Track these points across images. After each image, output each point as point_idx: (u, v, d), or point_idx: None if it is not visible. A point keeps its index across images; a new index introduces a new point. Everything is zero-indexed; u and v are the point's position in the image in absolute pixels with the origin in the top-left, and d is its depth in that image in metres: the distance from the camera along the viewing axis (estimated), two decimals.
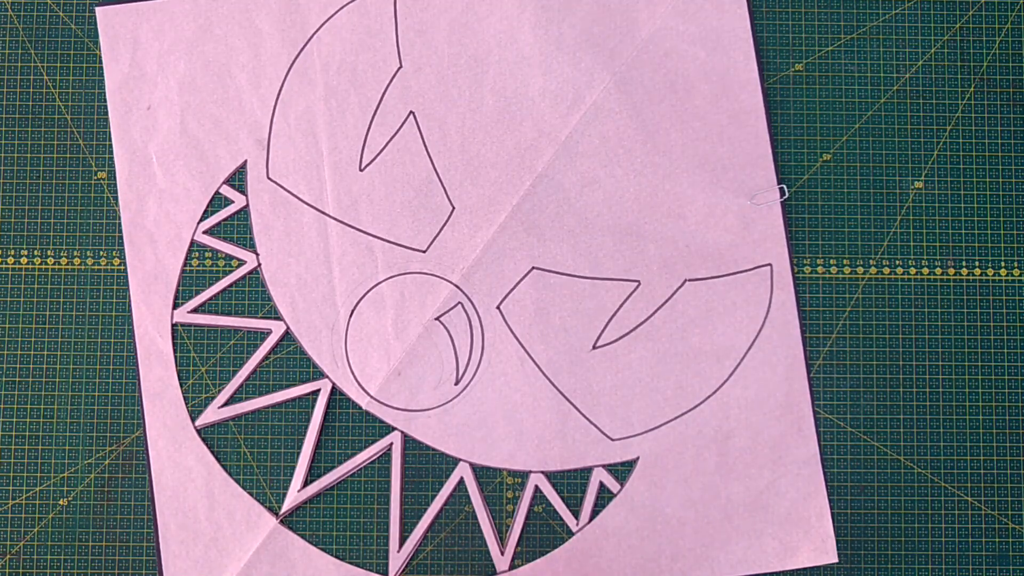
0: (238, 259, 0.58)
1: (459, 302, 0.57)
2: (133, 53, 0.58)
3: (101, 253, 0.58)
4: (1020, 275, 0.58)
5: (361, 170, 0.58)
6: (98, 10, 0.59)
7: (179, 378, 0.57)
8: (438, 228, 0.58)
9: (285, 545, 0.56)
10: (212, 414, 0.57)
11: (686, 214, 0.58)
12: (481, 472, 0.57)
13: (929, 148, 0.59)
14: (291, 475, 0.56)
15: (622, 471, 0.56)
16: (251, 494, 0.56)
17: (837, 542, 0.56)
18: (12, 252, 0.58)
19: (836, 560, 0.56)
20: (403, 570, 0.56)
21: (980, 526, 0.56)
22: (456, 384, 0.57)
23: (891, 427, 0.57)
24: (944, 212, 0.58)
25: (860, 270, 0.58)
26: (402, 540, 0.56)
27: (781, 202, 0.58)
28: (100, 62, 0.59)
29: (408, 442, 0.57)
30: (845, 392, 0.57)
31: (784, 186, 0.58)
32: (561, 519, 0.56)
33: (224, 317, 0.57)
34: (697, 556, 0.56)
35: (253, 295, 0.58)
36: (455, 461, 0.57)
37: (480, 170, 0.58)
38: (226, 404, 0.57)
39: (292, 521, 0.56)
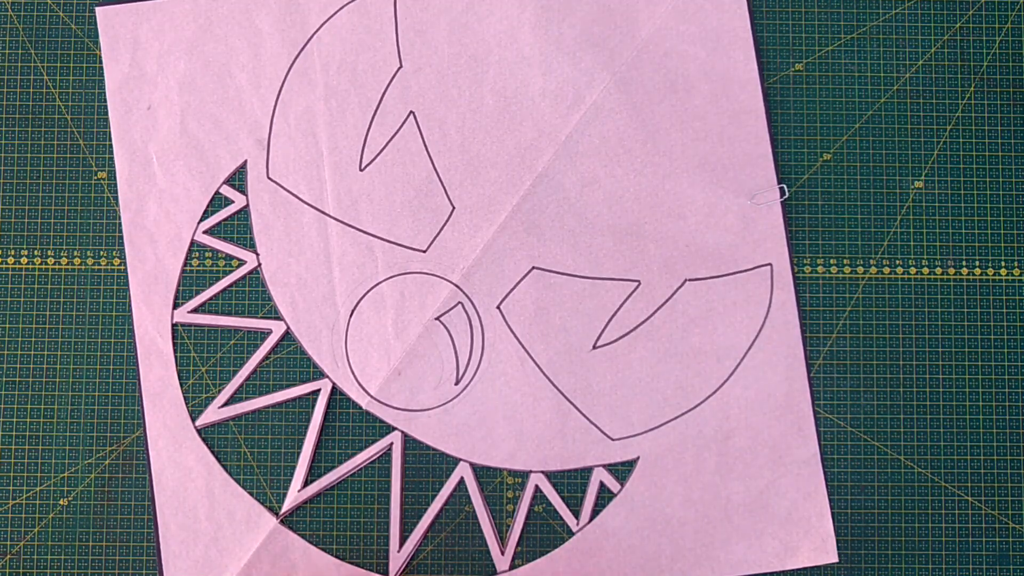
0: (238, 259, 0.58)
1: (459, 302, 0.57)
2: (133, 53, 0.58)
3: (101, 253, 0.58)
4: (1020, 275, 0.58)
5: (361, 170, 0.58)
6: (98, 10, 0.59)
7: (179, 378, 0.57)
8: (438, 228, 0.58)
9: (285, 545, 0.56)
10: (212, 414, 0.57)
11: (686, 214, 0.58)
12: (481, 472, 0.57)
13: (929, 148, 0.59)
14: (291, 475, 0.56)
15: (622, 471, 0.56)
16: (251, 494, 0.56)
17: (837, 542, 0.56)
18: (12, 252, 0.58)
19: (836, 560, 0.56)
20: (403, 570, 0.56)
21: (980, 526, 0.56)
22: (456, 384, 0.57)
23: (891, 427, 0.57)
24: (944, 212, 0.58)
25: (860, 270, 0.58)
26: (402, 540, 0.56)
27: (781, 202, 0.58)
28: (100, 62, 0.59)
29: (408, 442, 0.57)
30: (845, 392, 0.57)
31: (784, 186, 0.58)
32: (561, 519, 0.56)
33: (224, 317, 0.57)
34: (697, 556, 0.56)
35: (253, 295, 0.58)
36: (455, 461, 0.57)
37: (480, 170, 0.58)
38: (226, 404, 0.57)
39: (292, 521, 0.56)
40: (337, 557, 0.56)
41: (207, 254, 0.58)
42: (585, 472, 0.56)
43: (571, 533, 0.56)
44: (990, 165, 0.59)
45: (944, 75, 0.59)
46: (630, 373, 0.57)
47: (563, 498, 0.56)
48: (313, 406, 0.57)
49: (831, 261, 0.58)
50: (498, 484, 0.57)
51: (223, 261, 0.58)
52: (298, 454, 0.56)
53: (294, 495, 0.56)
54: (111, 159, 0.58)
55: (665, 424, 0.56)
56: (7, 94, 0.59)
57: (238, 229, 0.58)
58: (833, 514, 0.56)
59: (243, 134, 0.58)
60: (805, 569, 0.56)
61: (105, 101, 0.58)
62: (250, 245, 0.58)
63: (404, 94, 0.58)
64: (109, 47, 0.59)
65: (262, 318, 0.57)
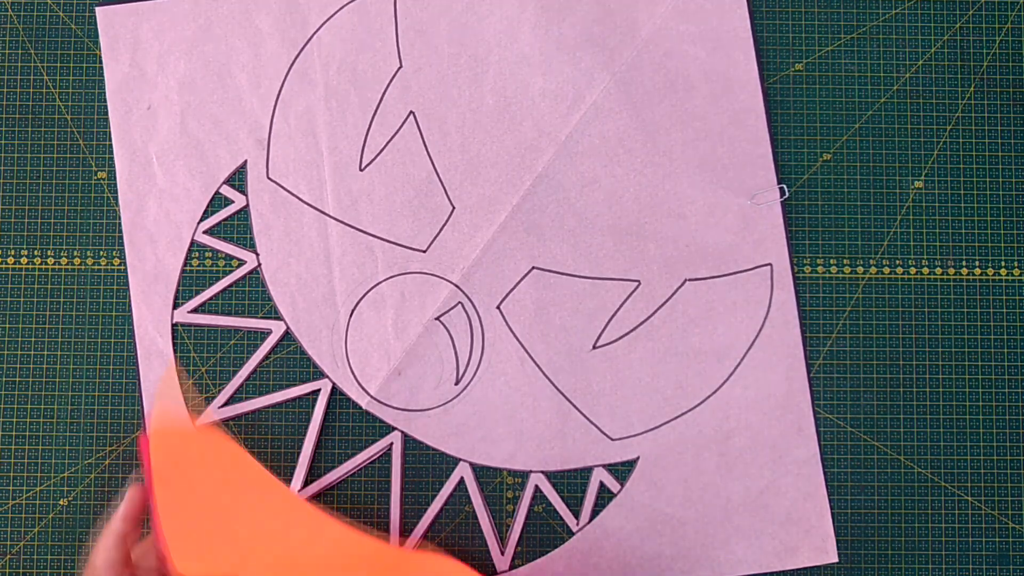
0: (238, 259, 0.58)
1: (459, 302, 0.57)
2: (133, 53, 0.58)
3: (101, 253, 0.58)
4: (1020, 275, 0.58)
5: (361, 170, 0.58)
6: (98, 10, 0.59)
7: (179, 378, 0.57)
8: (438, 228, 0.58)
9: None
10: (212, 414, 0.57)
11: (686, 214, 0.58)
12: (481, 472, 0.57)
13: (929, 148, 0.59)
14: (291, 475, 0.56)
15: (622, 471, 0.56)
16: None
17: (837, 542, 0.56)
18: (12, 252, 0.58)
19: (836, 560, 0.56)
20: None
21: (980, 526, 0.56)
22: (456, 384, 0.57)
23: (891, 427, 0.57)
24: (944, 212, 0.58)
25: (860, 270, 0.58)
26: (402, 540, 0.56)
27: (781, 202, 0.58)
28: (100, 62, 0.59)
29: (408, 442, 0.57)
30: (845, 392, 0.57)
31: (784, 186, 0.58)
32: (561, 519, 0.56)
33: (224, 317, 0.57)
34: (697, 556, 0.56)
35: (253, 295, 0.58)
36: (455, 461, 0.57)
37: (480, 170, 0.58)
38: (226, 404, 0.57)
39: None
40: None
41: (207, 254, 0.58)
42: (585, 472, 0.56)
43: (571, 533, 0.56)
44: (990, 165, 0.59)
45: (944, 75, 0.59)
46: (630, 373, 0.57)
47: (563, 498, 0.56)
48: (313, 406, 0.57)
49: (831, 261, 0.58)
50: (498, 484, 0.57)
51: (223, 261, 0.58)
52: (298, 454, 0.56)
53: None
54: (111, 159, 0.58)
55: (665, 424, 0.56)
56: (7, 94, 0.59)
57: (238, 229, 0.58)
58: (833, 514, 0.56)
59: (243, 134, 0.58)
60: (805, 569, 0.56)
61: (105, 101, 0.58)
62: (250, 245, 0.58)
63: (404, 94, 0.58)
64: (109, 47, 0.59)
65: (262, 318, 0.57)
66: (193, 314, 0.57)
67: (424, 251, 0.57)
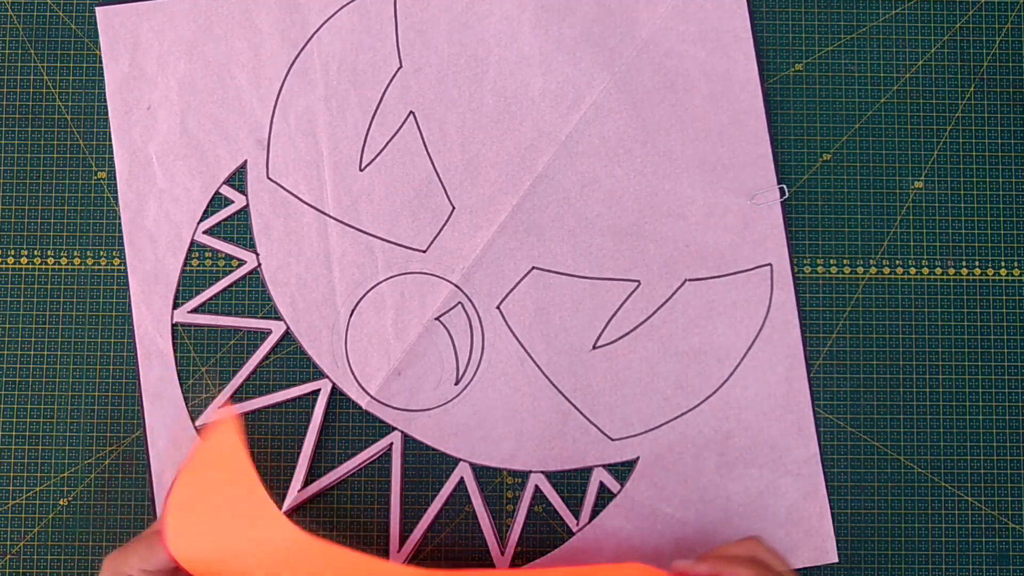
0: (238, 259, 0.58)
1: (459, 302, 0.57)
2: (133, 53, 0.58)
3: (101, 253, 0.58)
4: (1020, 275, 0.58)
5: (361, 170, 0.58)
6: (98, 10, 0.59)
7: (179, 378, 0.57)
8: (438, 228, 0.58)
9: None
10: (212, 414, 0.57)
11: (686, 214, 0.58)
12: (481, 472, 0.57)
13: (929, 148, 0.59)
14: (291, 475, 0.56)
15: (622, 471, 0.56)
16: None
17: (837, 542, 0.56)
18: (12, 252, 0.58)
19: (836, 560, 0.56)
20: None
21: (980, 526, 0.56)
22: (456, 384, 0.57)
23: (891, 427, 0.57)
24: (944, 212, 0.58)
25: (860, 270, 0.58)
26: (402, 540, 0.56)
27: (781, 202, 0.58)
28: (100, 62, 0.59)
29: (408, 442, 0.57)
30: (845, 392, 0.57)
31: (784, 186, 0.58)
32: (561, 519, 0.56)
33: (224, 317, 0.57)
34: (697, 556, 0.56)
35: (253, 295, 0.58)
36: (455, 461, 0.56)
37: (480, 170, 0.58)
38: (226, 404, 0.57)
39: (292, 520, 0.56)
40: None
41: (207, 254, 0.58)
42: (585, 472, 0.56)
43: (571, 533, 0.56)
44: (990, 165, 0.59)
45: (944, 75, 0.59)
46: (630, 373, 0.57)
47: (563, 498, 0.56)
48: (313, 406, 0.57)
49: (831, 261, 0.58)
50: (498, 484, 0.57)
51: (223, 261, 0.58)
52: (298, 454, 0.56)
53: (294, 495, 0.56)
54: (111, 159, 0.58)
55: (665, 424, 0.56)
56: (7, 94, 0.59)
57: (238, 229, 0.58)
58: (833, 514, 0.56)
59: (243, 134, 0.58)
60: (805, 569, 0.56)
61: (105, 101, 0.58)
62: (250, 245, 0.58)
63: (404, 94, 0.58)
64: (109, 47, 0.59)
65: (262, 318, 0.57)
66: (193, 314, 0.57)
67: (424, 251, 0.57)
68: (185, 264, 0.58)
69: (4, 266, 0.58)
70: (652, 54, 0.58)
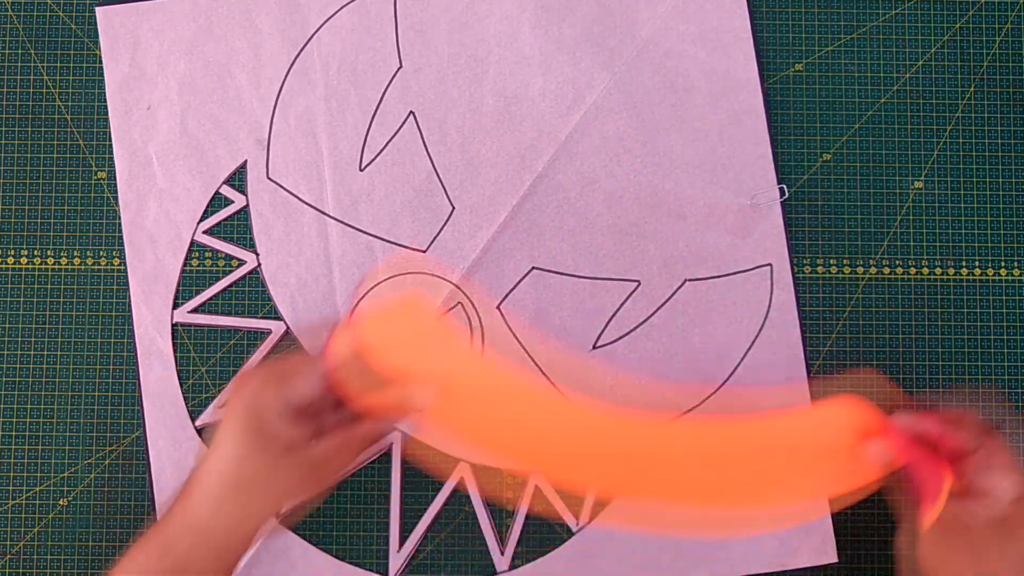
0: (238, 259, 0.58)
1: (459, 302, 0.57)
2: (133, 53, 0.58)
3: (101, 253, 0.58)
4: (1020, 275, 0.58)
5: (361, 170, 0.58)
6: (98, 10, 0.59)
7: (179, 378, 0.57)
8: (438, 228, 0.58)
9: (285, 545, 0.56)
10: (212, 414, 0.57)
11: (686, 214, 0.58)
12: (481, 472, 0.57)
13: (929, 148, 0.59)
14: None
15: None
16: None
17: (837, 542, 0.56)
18: (12, 252, 0.58)
19: (836, 560, 0.56)
20: (403, 570, 0.56)
21: None
22: None
23: None
24: (944, 212, 0.58)
25: (860, 270, 0.58)
26: (402, 540, 0.56)
27: (781, 202, 0.58)
28: (100, 62, 0.59)
29: (408, 442, 0.57)
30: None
31: (784, 186, 0.58)
32: (561, 519, 0.56)
33: (224, 317, 0.57)
34: (697, 556, 0.56)
35: (253, 295, 0.58)
36: (455, 461, 0.56)
37: (480, 170, 0.58)
38: (226, 404, 0.57)
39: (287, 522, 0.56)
40: (337, 557, 0.56)
41: (207, 254, 0.58)
42: None
43: (571, 533, 0.56)
44: (990, 165, 0.59)
45: (944, 75, 0.59)
46: (630, 373, 0.57)
47: (563, 498, 0.56)
48: None
49: (831, 261, 0.58)
50: (498, 484, 0.57)
51: (223, 261, 0.58)
52: None
53: None
54: (111, 159, 0.58)
55: None
56: (7, 94, 0.59)
57: (238, 229, 0.58)
58: (833, 514, 0.56)
59: (243, 134, 0.58)
60: (805, 569, 0.56)
61: (105, 101, 0.58)
62: (250, 245, 0.58)
63: (404, 94, 0.58)
64: (109, 47, 0.59)
65: (262, 318, 0.57)
66: (193, 314, 0.57)
67: (424, 251, 0.57)
68: (185, 264, 0.58)
69: (4, 266, 0.58)
70: (652, 54, 0.58)
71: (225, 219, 0.58)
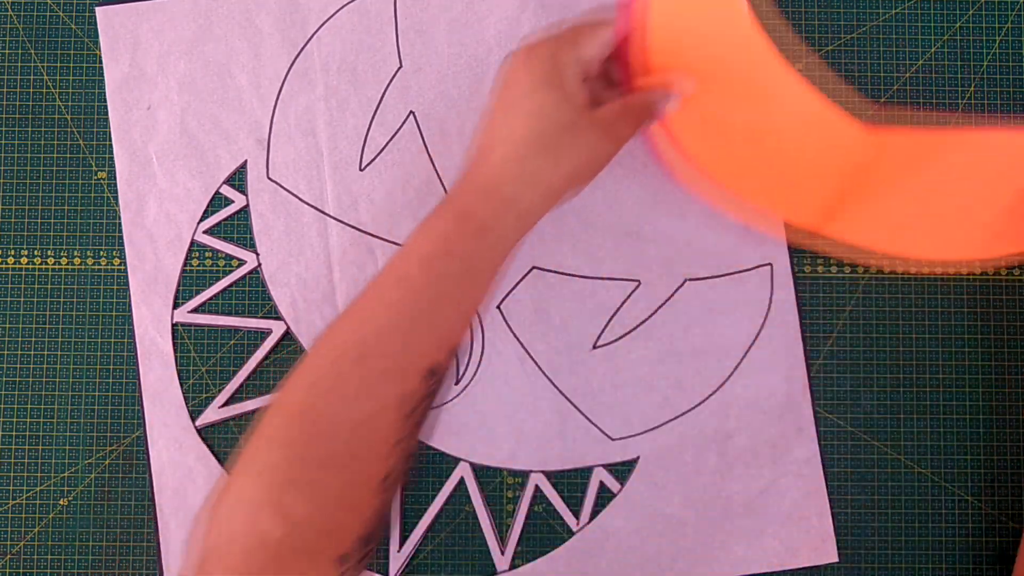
0: (238, 259, 0.58)
1: None
2: (133, 53, 0.58)
3: (101, 253, 0.58)
4: (1020, 275, 0.58)
5: (361, 170, 0.58)
6: (98, 10, 0.59)
7: (179, 378, 0.57)
8: None
9: None
10: (212, 414, 0.57)
11: (686, 214, 0.58)
12: (481, 472, 0.57)
13: None
14: None
15: (622, 471, 0.56)
16: None
17: (837, 542, 0.56)
18: (12, 252, 0.58)
19: (836, 560, 0.56)
20: (403, 570, 0.56)
21: (980, 526, 0.56)
22: (456, 384, 0.57)
23: (891, 427, 0.57)
24: None
25: (860, 270, 0.58)
26: (402, 540, 0.56)
27: None
28: (100, 62, 0.59)
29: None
30: (845, 392, 0.57)
31: None
32: (561, 519, 0.56)
33: (224, 317, 0.57)
34: (697, 556, 0.56)
35: (253, 295, 0.58)
36: (455, 461, 0.56)
37: None
38: (226, 404, 0.57)
39: None
40: None
41: (207, 254, 0.58)
42: (585, 472, 0.56)
43: (571, 533, 0.56)
44: None
45: (944, 75, 0.59)
46: (630, 373, 0.57)
47: (563, 498, 0.56)
48: None
49: (831, 261, 0.58)
50: (498, 484, 0.57)
51: (223, 261, 0.58)
52: None
53: None
54: (111, 159, 0.58)
55: (665, 424, 0.56)
56: (7, 94, 0.59)
57: (238, 229, 0.58)
58: (833, 514, 0.56)
59: (243, 134, 0.58)
60: (805, 569, 0.56)
61: (105, 101, 0.58)
62: (250, 245, 0.58)
63: (404, 94, 0.58)
64: (109, 47, 0.59)
65: (262, 318, 0.57)
66: (193, 314, 0.57)
67: None
68: (185, 264, 0.58)
69: (4, 266, 0.58)
70: None
71: (225, 219, 0.58)
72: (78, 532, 0.56)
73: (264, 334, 0.57)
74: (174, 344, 0.57)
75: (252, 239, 0.58)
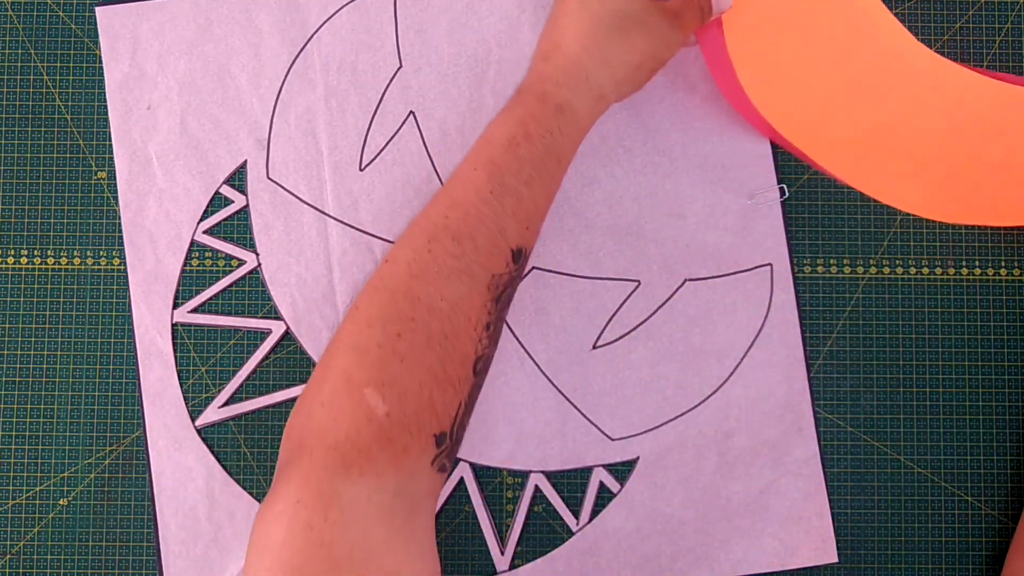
0: (238, 259, 0.58)
1: None
2: (133, 53, 0.58)
3: (101, 253, 0.58)
4: (1020, 275, 0.58)
5: (361, 170, 0.58)
6: (98, 10, 0.59)
7: (179, 378, 0.57)
8: None
9: None
10: (212, 414, 0.57)
11: (686, 214, 0.58)
12: (481, 472, 0.57)
13: None
14: None
15: (622, 471, 0.56)
16: (251, 494, 0.56)
17: (837, 542, 0.56)
18: (12, 252, 0.58)
19: (836, 560, 0.56)
20: None
21: (980, 526, 0.56)
22: None
23: (891, 427, 0.57)
24: None
25: (860, 270, 0.58)
26: None
27: (781, 202, 0.58)
28: (100, 62, 0.59)
29: None
30: (845, 392, 0.57)
31: (784, 186, 0.58)
32: (561, 519, 0.56)
33: (224, 317, 0.57)
34: (697, 556, 0.56)
35: (253, 295, 0.58)
36: (455, 461, 0.56)
37: None
38: (226, 404, 0.57)
39: None
40: None
41: (207, 254, 0.58)
42: (585, 472, 0.56)
43: (571, 533, 0.56)
44: None
45: None
46: (630, 373, 0.57)
47: (563, 498, 0.56)
48: None
49: (831, 261, 0.58)
50: (498, 484, 0.57)
51: (223, 261, 0.58)
52: None
53: None
54: (111, 159, 0.58)
55: (665, 424, 0.56)
56: (7, 94, 0.59)
57: (238, 229, 0.58)
58: (833, 514, 0.56)
59: (243, 134, 0.58)
60: (805, 569, 0.56)
61: (105, 101, 0.58)
62: (250, 245, 0.58)
63: (404, 94, 0.58)
64: (109, 47, 0.59)
65: (262, 318, 0.57)
66: (193, 314, 0.57)
67: None
68: (185, 264, 0.58)
69: (4, 266, 0.58)
70: None
71: (225, 219, 0.58)
72: (78, 532, 0.56)
73: (264, 334, 0.57)
74: (174, 344, 0.57)
75: (252, 239, 0.58)
